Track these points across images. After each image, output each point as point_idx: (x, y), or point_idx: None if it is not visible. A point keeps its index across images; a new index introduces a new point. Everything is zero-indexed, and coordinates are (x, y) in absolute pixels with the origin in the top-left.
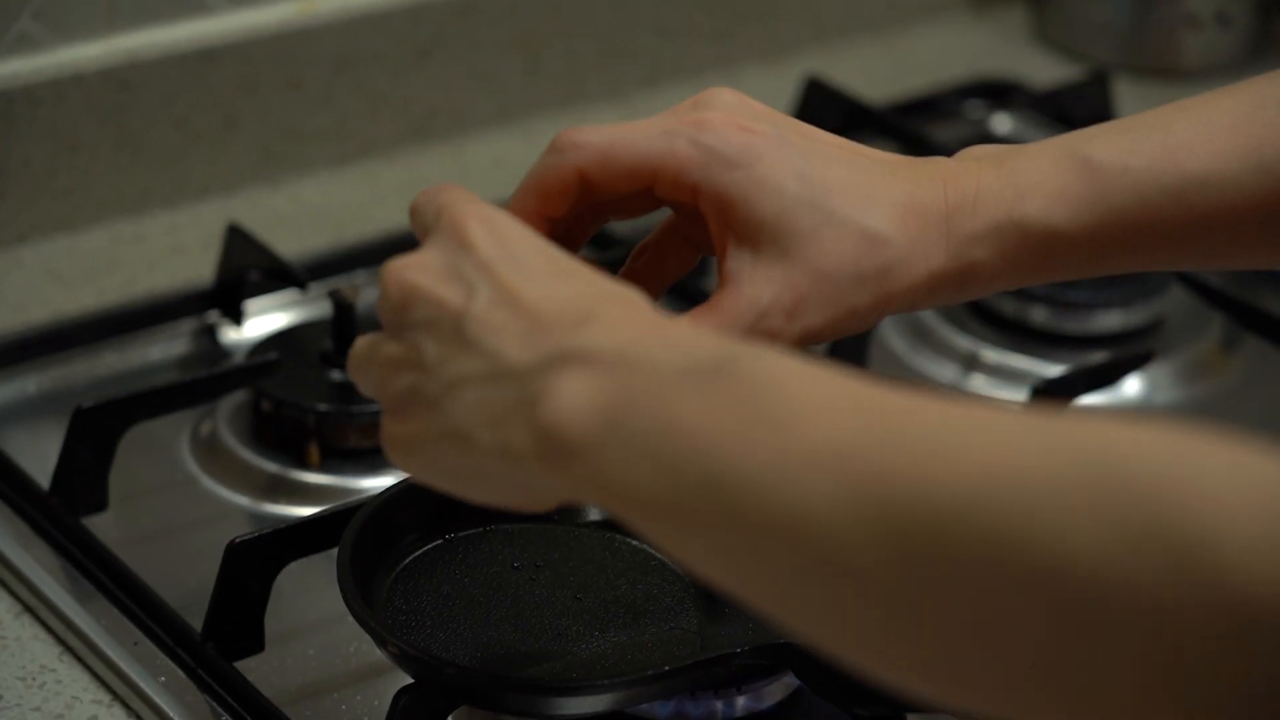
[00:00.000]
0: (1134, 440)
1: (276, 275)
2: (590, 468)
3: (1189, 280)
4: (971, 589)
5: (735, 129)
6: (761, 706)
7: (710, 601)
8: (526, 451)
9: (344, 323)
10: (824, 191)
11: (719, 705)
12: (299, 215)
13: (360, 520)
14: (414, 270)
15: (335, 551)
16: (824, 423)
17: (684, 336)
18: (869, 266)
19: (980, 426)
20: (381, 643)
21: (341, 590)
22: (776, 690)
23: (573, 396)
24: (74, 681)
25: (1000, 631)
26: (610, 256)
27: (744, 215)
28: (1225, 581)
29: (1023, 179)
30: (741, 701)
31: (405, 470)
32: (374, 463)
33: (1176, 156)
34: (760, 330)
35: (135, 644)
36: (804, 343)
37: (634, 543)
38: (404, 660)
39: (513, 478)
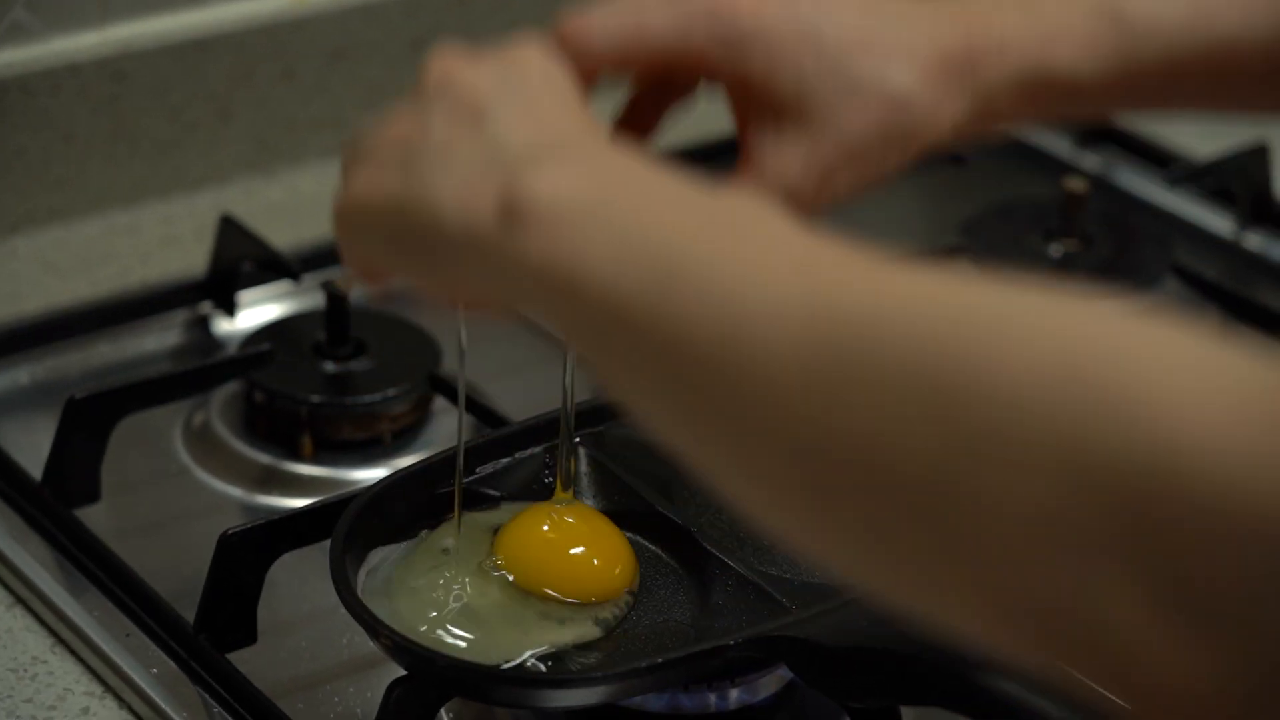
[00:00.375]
0: (1106, 343)
1: (270, 266)
2: (545, 240)
3: (1183, 273)
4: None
5: (745, 8)
6: (755, 699)
7: (704, 594)
8: (485, 219)
9: (337, 314)
10: (842, 55)
11: (712, 698)
12: (293, 206)
13: (353, 512)
14: (462, 63)
15: (328, 543)
16: (797, 245)
17: (682, 172)
18: (894, 130)
19: (915, 297)
20: (374, 634)
21: (334, 582)
22: (770, 683)
23: (553, 174)
24: (66, 673)
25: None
26: None
27: (764, 95)
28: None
29: (1051, 26)
30: (735, 694)
31: (342, 227)
32: (367, 454)
33: (1208, 16)
34: (788, 203)
35: (127, 635)
36: (830, 202)
37: (627, 535)
38: (396, 652)
39: (453, 253)
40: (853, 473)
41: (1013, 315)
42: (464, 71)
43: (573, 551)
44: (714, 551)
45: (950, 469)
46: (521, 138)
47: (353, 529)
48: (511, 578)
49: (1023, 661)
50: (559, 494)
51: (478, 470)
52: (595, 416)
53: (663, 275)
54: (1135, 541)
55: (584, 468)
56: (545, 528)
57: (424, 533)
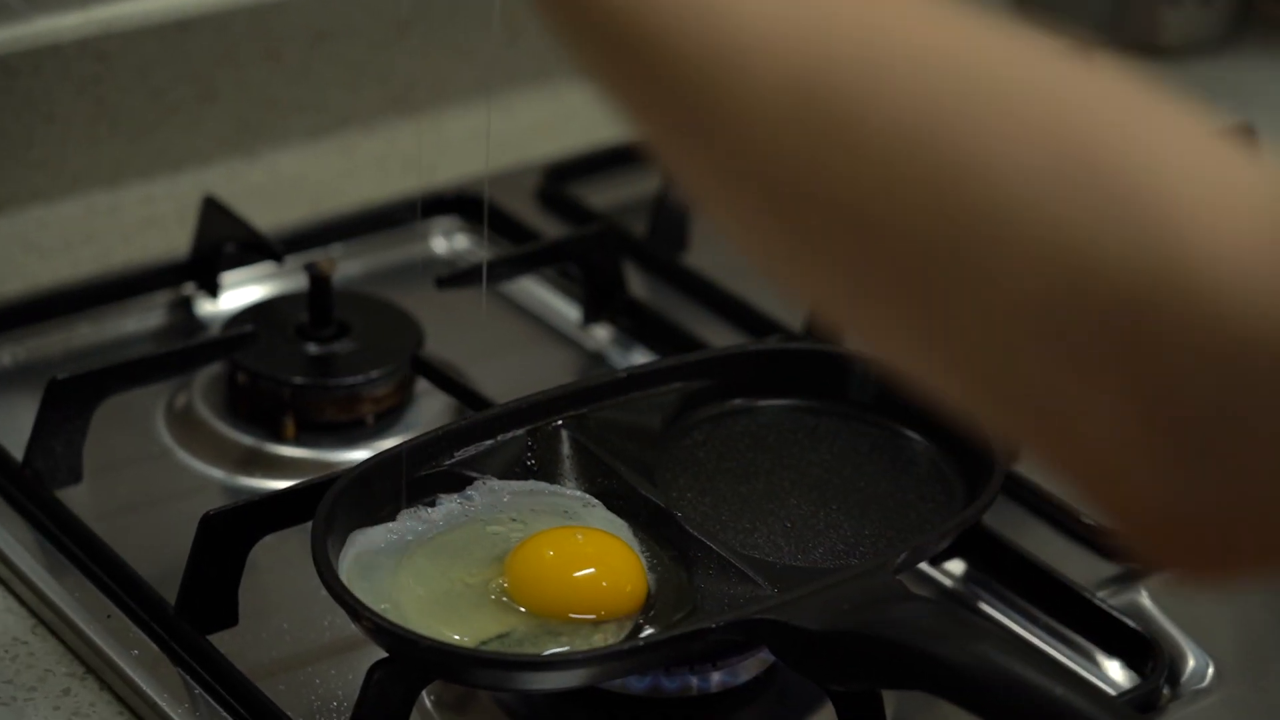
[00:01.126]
0: (1125, 132)
1: (253, 247)
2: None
3: None
4: (877, 182)
5: None
6: (737, 681)
7: (686, 577)
8: None
9: (320, 296)
10: None
11: (694, 680)
12: (276, 187)
13: (335, 493)
14: None
15: (310, 525)
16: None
17: None
18: None
19: (952, 35)
20: (355, 617)
21: (315, 564)
22: (752, 665)
23: None
24: (47, 654)
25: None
26: (586, 231)
27: None
28: (1203, 300)
29: None
30: (717, 677)
31: None
32: (349, 436)
33: None
34: None
35: (108, 617)
36: None
37: (610, 516)
38: (378, 634)
39: None
40: (836, 228)
41: (1024, 84)
42: None
43: (580, 574)
44: (696, 534)
45: (938, 243)
46: None
47: (334, 510)
48: (523, 609)
49: (1005, 440)
50: None
51: (458, 453)
52: (577, 400)
53: (641, 32)
54: (1130, 353)
55: (566, 450)
56: (551, 553)
57: (418, 514)
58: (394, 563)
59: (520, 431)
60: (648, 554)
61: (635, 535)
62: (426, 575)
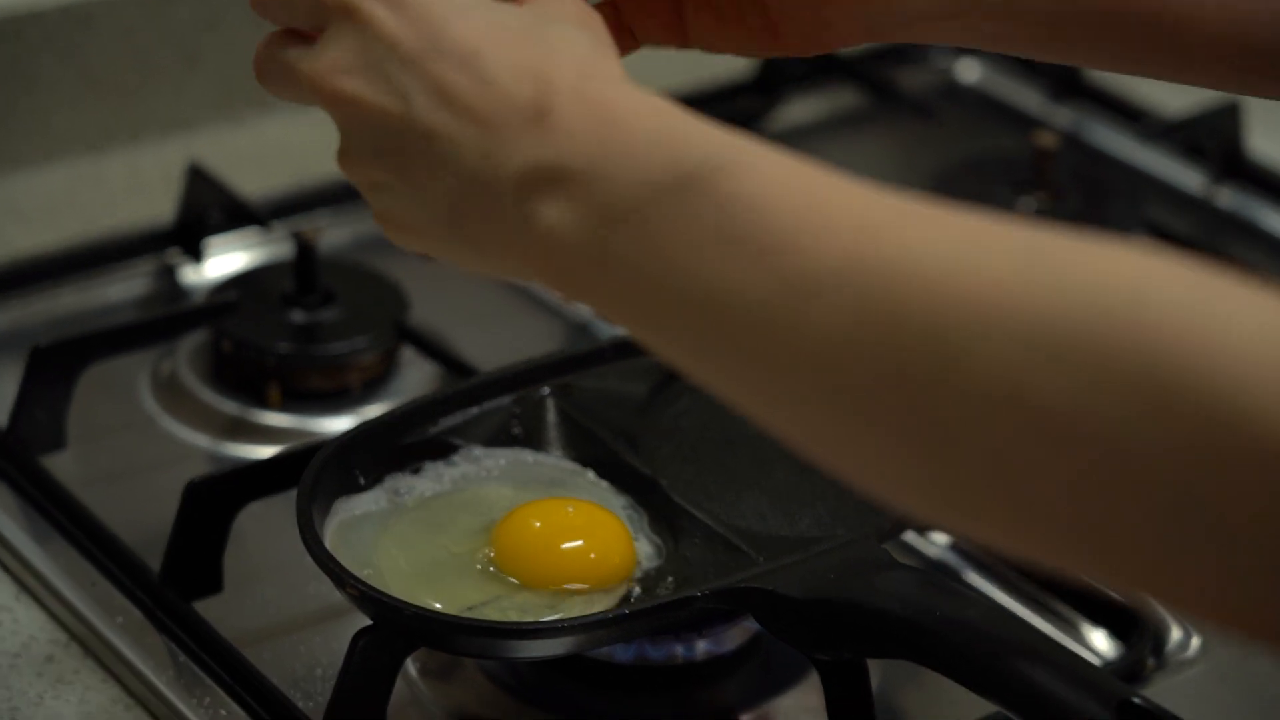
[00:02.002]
0: (1150, 279)
1: (238, 215)
2: (582, 287)
3: (1154, 229)
4: (980, 426)
5: None
6: (722, 650)
7: (672, 545)
8: (519, 268)
9: (306, 263)
10: None
11: (679, 649)
12: (262, 154)
13: (320, 461)
14: (339, 76)
15: (295, 492)
16: (823, 247)
17: (655, 134)
18: None
19: (985, 246)
20: (340, 584)
21: (300, 531)
22: (737, 634)
23: (552, 224)
24: (31, 621)
25: (1012, 473)
26: None
27: None
28: (1259, 447)
29: None
30: (702, 645)
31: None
32: (334, 404)
33: None
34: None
35: (93, 584)
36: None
37: (591, 479)
38: (363, 602)
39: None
40: (986, 502)
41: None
42: (349, 88)
43: (568, 546)
44: (681, 503)
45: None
46: (471, 155)
47: (319, 478)
48: (511, 579)
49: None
50: None
51: (443, 421)
52: (563, 368)
53: (708, 317)
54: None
55: (552, 418)
56: (539, 524)
57: (402, 482)
58: (378, 530)
59: (506, 400)
60: (634, 522)
61: (622, 503)
62: (410, 543)
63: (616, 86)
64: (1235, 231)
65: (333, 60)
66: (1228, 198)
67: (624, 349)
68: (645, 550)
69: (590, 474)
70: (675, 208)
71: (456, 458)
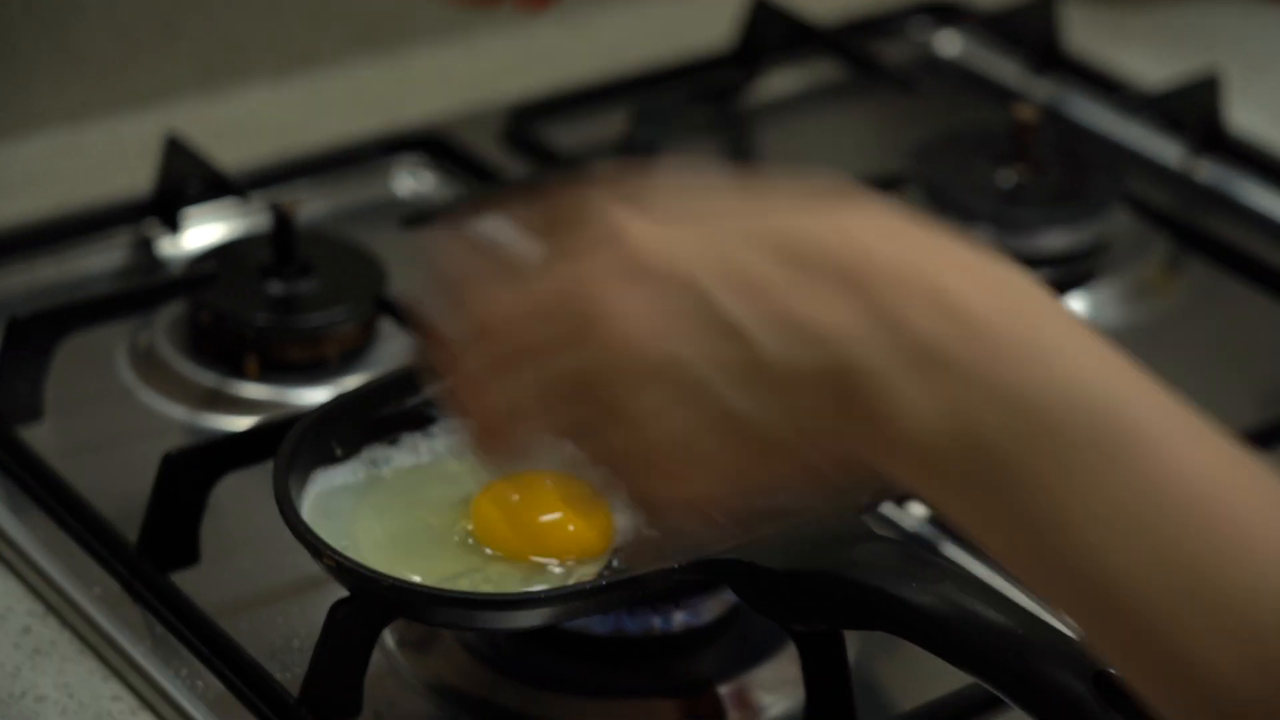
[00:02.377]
0: None
1: (216, 186)
2: (938, 496)
3: (1133, 202)
4: None
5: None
6: (699, 622)
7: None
8: (845, 460)
9: (284, 235)
10: None
11: (656, 620)
12: (240, 126)
13: (298, 432)
14: (662, 339)
15: (272, 464)
16: (1244, 569)
17: (1035, 348)
18: None
19: None
20: (318, 555)
21: (278, 502)
22: (715, 606)
23: (917, 408)
24: (7, 593)
25: None
26: (552, 173)
27: None
28: None
29: None
30: (679, 617)
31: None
32: (313, 376)
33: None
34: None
35: (70, 555)
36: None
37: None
38: (340, 573)
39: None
40: None
41: None
42: (677, 350)
43: (546, 518)
44: None
45: None
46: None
47: (297, 449)
48: (490, 551)
49: None
50: None
51: (421, 392)
52: None
53: (1095, 590)
54: None
55: None
56: (517, 496)
57: (380, 454)
58: (355, 501)
59: None
60: (613, 494)
61: (599, 475)
62: (388, 514)
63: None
64: (1214, 204)
65: (639, 312)
66: (1207, 171)
67: None
68: (625, 522)
69: (568, 445)
70: (1070, 453)
71: (434, 429)
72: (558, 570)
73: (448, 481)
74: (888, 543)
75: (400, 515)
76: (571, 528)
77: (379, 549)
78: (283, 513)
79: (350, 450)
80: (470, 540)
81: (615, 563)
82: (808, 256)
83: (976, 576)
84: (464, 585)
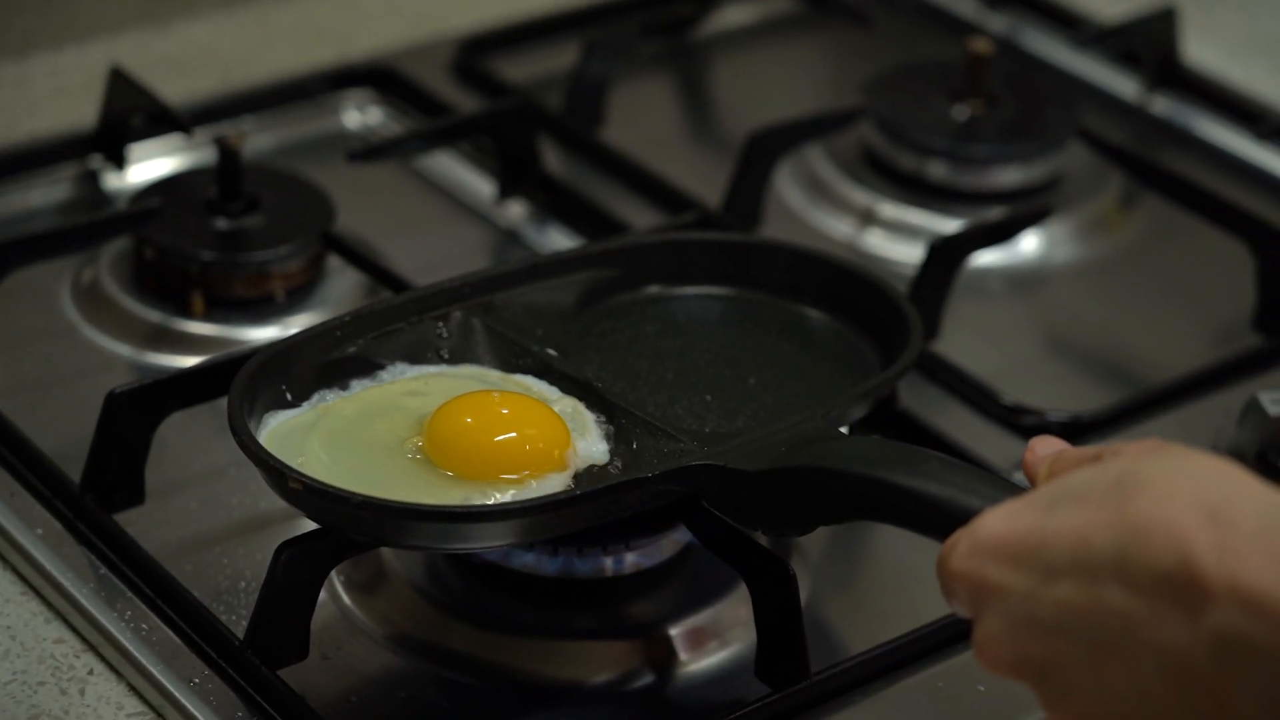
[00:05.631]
0: None
1: (161, 120)
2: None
3: (1089, 137)
4: None
5: None
6: (650, 563)
7: (622, 441)
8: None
9: (229, 169)
10: None
11: (608, 562)
12: (186, 58)
13: (251, 369)
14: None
15: (218, 403)
16: None
17: None
18: None
19: None
20: (281, 479)
21: (234, 431)
22: (666, 547)
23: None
24: None
25: None
26: (501, 105)
27: None
28: None
29: None
30: (630, 558)
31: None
32: (259, 313)
33: None
34: None
35: (11, 495)
36: None
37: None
38: (308, 496)
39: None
40: None
41: None
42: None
43: (501, 438)
44: (619, 403)
45: None
46: None
47: (250, 385)
48: (451, 474)
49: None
50: None
51: (368, 337)
52: (487, 286)
53: None
54: None
55: (479, 335)
56: (469, 419)
57: (330, 399)
58: (304, 437)
59: (430, 317)
60: (574, 419)
61: (559, 402)
62: (339, 445)
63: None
64: (1169, 139)
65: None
66: (1163, 105)
67: (549, 268)
68: (590, 447)
69: (524, 378)
70: None
71: (384, 374)
72: (516, 489)
73: (398, 411)
74: (863, 436)
75: (352, 445)
76: (528, 447)
77: (332, 475)
78: (240, 440)
79: (300, 395)
80: (425, 462)
81: (578, 481)
82: None
83: (959, 455)
84: (402, 493)
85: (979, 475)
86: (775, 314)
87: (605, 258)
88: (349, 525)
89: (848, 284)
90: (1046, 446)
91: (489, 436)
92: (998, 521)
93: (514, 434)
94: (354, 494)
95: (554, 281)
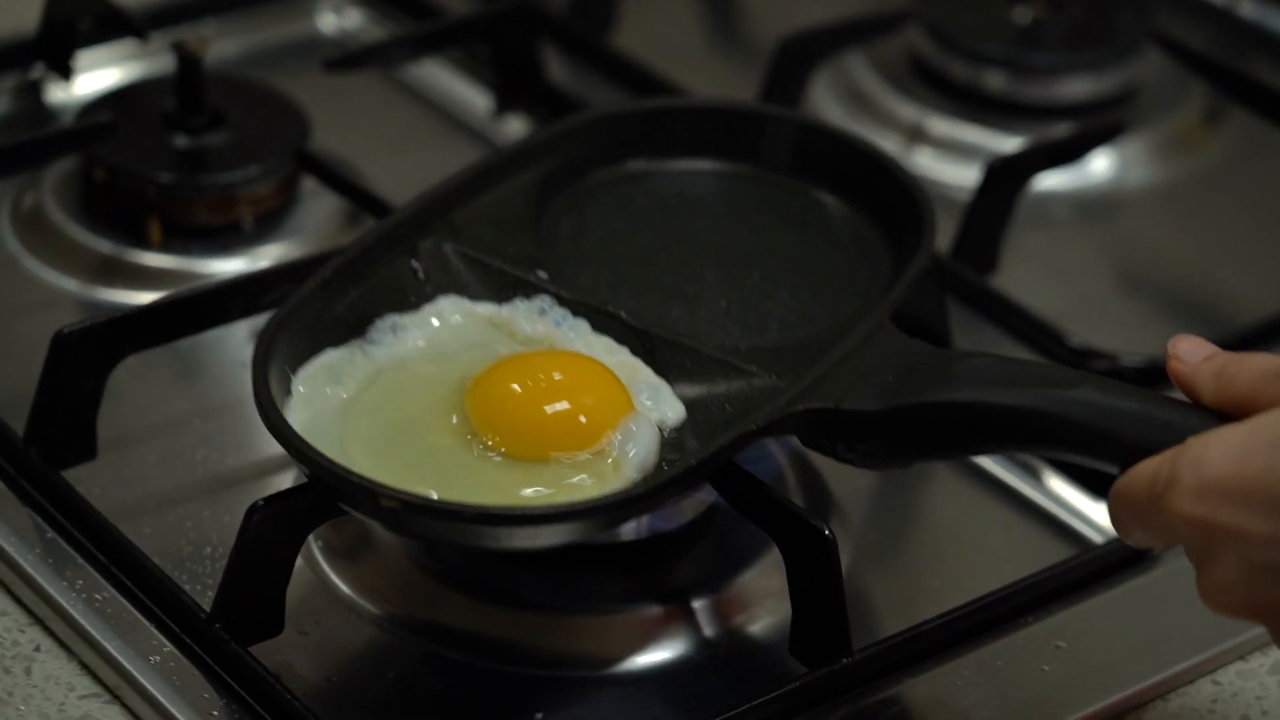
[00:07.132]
0: None
1: (112, 23)
2: None
3: (1167, 43)
4: None
5: None
6: (671, 527)
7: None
8: None
9: (190, 79)
10: None
11: (629, 524)
12: None
13: (283, 313)
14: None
15: (177, 345)
16: None
17: None
18: None
19: None
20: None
21: (258, 404)
22: (688, 509)
23: None
24: None
25: None
26: (497, 7)
27: None
28: None
29: None
30: (647, 521)
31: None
32: (223, 242)
33: None
34: None
35: None
36: None
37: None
38: (408, 514)
39: None
40: None
41: None
42: None
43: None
44: (653, 331)
45: None
46: None
47: (276, 338)
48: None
49: None
50: None
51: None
52: (440, 207)
53: None
54: None
55: (456, 265)
56: (516, 386)
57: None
58: (334, 430)
59: (400, 254)
60: (628, 369)
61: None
62: (376, 434)
63: None
64: (1258, 45)
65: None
66: (1250, 7)
67: (490, 171)
68: (662, 408)
69: (521, 307)
70: None
71: (379, 331)
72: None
73: (422, 383)
74: (978, 356)
75: (392, 436)
76: (583, 418)
77: (391, 477)
78: (300, 456)
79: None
80: (475, 443)
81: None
82: None
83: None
84: (472, 490)
85: (1147, 396)
86: (777, 193)
87: (569, 138)
88: (451, 537)
89: (851, 161)
90: (1193, 350)
91: (574, 418)
92: (1225, 461)
93: (581, 411)
94: (465, 506)
95: (502, 187)
